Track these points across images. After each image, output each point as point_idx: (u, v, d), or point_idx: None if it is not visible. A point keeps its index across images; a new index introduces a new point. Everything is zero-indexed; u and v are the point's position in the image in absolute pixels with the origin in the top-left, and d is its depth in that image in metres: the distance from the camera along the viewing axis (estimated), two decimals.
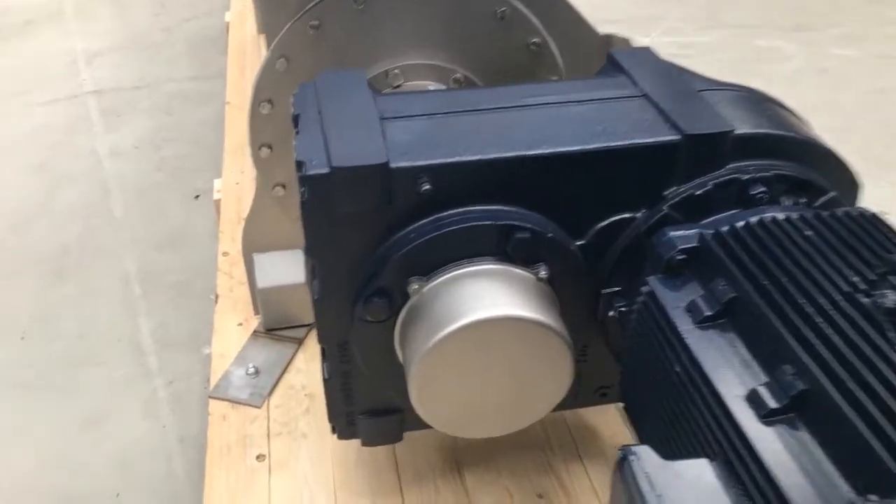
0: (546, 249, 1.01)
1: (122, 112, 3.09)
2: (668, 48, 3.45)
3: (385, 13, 1.38)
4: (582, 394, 1.16)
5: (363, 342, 1.05)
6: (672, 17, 3.76)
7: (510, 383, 1.01)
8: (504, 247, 0.99)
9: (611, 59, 1.21)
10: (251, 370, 1.60)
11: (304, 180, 0.95)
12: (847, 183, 1.09)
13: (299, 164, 0.97)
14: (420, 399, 1.00)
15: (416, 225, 0.99)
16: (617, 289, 1.07)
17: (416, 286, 0.99)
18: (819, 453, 0.70)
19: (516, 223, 0.98)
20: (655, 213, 1.02)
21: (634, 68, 1.16)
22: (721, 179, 1.01)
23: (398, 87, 1.42)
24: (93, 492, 1.67)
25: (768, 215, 0.92)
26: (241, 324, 1.76)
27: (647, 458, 0.72)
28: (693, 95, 1.09)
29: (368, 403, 1.15)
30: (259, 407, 1.52)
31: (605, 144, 0.99)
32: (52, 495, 1.67)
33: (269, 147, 1.49)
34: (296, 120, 1.07)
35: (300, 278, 1.53)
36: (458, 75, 1.43)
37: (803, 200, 1.03)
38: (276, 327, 1.71)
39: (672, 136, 1.00)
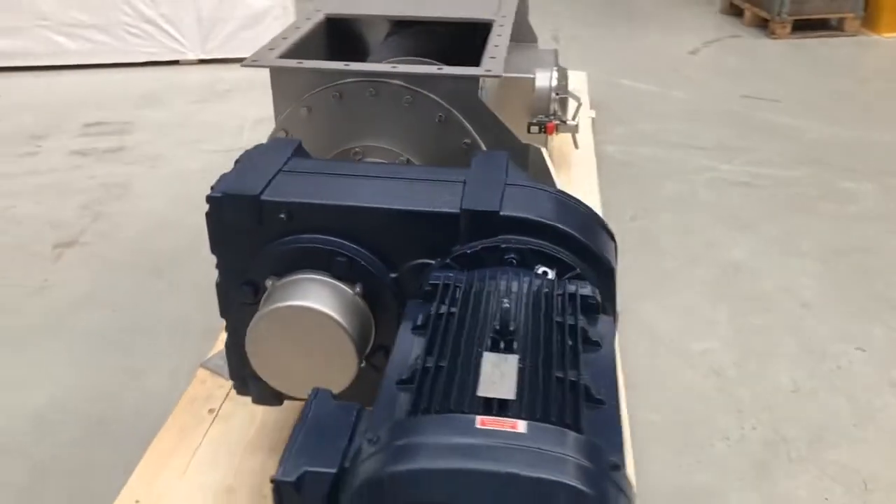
0: (360, 273, 1.46)
1: None
2: None
3: (354, 106, 1.90)
4: None
5: (238, 320, 1.54)
6: None
7: (312, 359, 1.45)
8: (330, 266, 1.45)
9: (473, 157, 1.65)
10: None
11: (207, 199, 1.48)
12: (601, 268, 1.45)
13: (212, 189, 1.49)
14: (252, 354, 1.46)
15: (277, 242, 1.48)
16: None
17: (270, 282, 1.47)
18: None
19: (337, 249, 1.45)
20: (443, 261, 1.44)
21: (479, 164, 1.59)
22: (488, 244, 1.42)
23: (359, 161, 1.93)
24: None
25: (501, 277, 1.32)
26: None
27: None
28: (497, 184, 1.50)
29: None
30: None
31: (406, 207, 1.44)
32: None
33: None
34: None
35: None
36: (403, 158, 1.91)
37: (554, 270, 1.41)
38: None
39: (453, 209, 1.43)
